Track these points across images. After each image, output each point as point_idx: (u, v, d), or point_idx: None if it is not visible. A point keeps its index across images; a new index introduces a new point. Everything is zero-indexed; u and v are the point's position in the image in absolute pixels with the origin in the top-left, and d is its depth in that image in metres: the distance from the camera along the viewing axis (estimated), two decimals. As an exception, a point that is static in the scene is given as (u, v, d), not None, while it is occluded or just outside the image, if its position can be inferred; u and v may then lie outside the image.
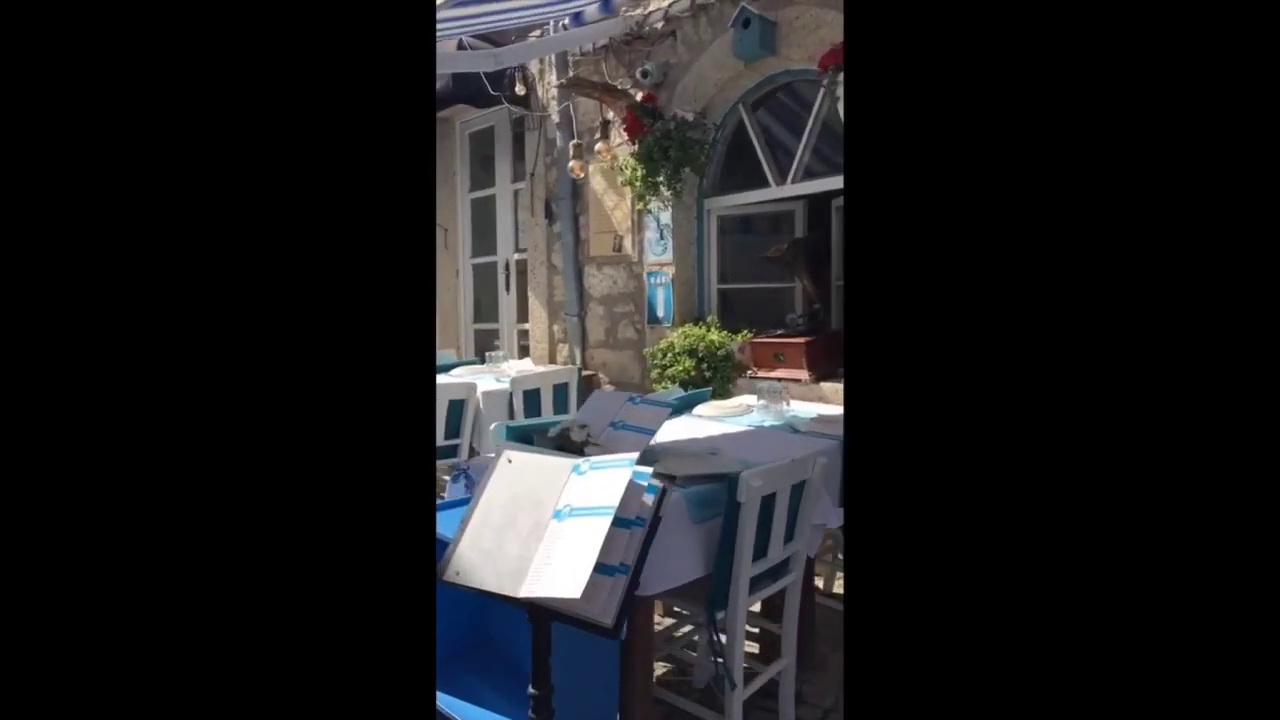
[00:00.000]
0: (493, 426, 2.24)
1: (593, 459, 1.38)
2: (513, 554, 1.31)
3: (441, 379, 3.37)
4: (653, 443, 1.97)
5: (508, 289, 4.69)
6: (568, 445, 1.85)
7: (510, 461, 1.48)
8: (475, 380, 3.20)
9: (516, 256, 4.58)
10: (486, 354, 3.75)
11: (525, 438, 2.16)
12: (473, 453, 3.12)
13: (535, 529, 1.31)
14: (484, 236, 4.93)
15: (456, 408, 2.98)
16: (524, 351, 4.51)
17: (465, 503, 2.02)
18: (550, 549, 1.27)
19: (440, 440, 2.95)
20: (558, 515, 1.33)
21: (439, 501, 1.97)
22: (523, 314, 4.60)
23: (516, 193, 4.53)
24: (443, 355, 4.15)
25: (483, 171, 4.96)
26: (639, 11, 3.36)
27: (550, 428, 2.13)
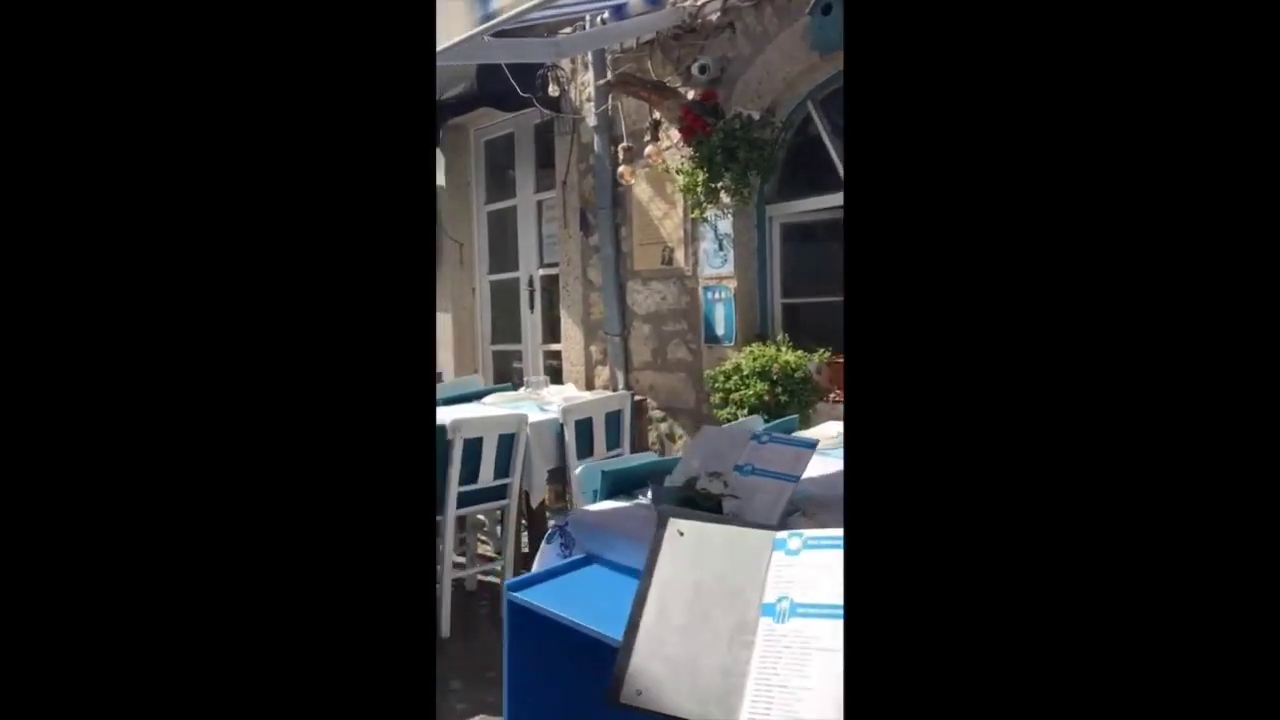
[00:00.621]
0: (578, 470, 1.91)
1: (807, 533, 1.05)
2: (713, 666, 0.98)
3: (484, 410, 3.02)
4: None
5: (532, 307, 4.35)
6: (699, 499, 1.52)
7: (682, 534, 1.15)
8: (524, 411, 2.86)
9: (542, 272, 4.25)
10: (527, 379, 3.41)
11: (628, 483, 1.83)
12: (524, 496, 2.78)
13: (740, 631, 0.99)
14: (501, 251, 4.61)
15: (506, 443, 2.64)
16: (551, 374, 4.18)
17: (565, 571, 1.68)
18: (776, 663, 0.94)
19: (489, 480, 2.61)
20: (770, 612, 1.00)
21: (532, 572, 1.63)
22: (549, 334, 4.27)
23: (541, 203, 4.22)
24: (469, 381, 3.81)
25: (496, 183, 4.64)
26: (690, 3, 3.08)
27: (660, 472, 1.80)
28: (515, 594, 1.50)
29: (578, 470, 1.90)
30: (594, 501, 1.93)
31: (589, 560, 1.65)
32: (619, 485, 1.80)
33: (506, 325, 4.60)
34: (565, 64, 3.64)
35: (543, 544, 1.67)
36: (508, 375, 4.61)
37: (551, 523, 1.65)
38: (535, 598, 1.50)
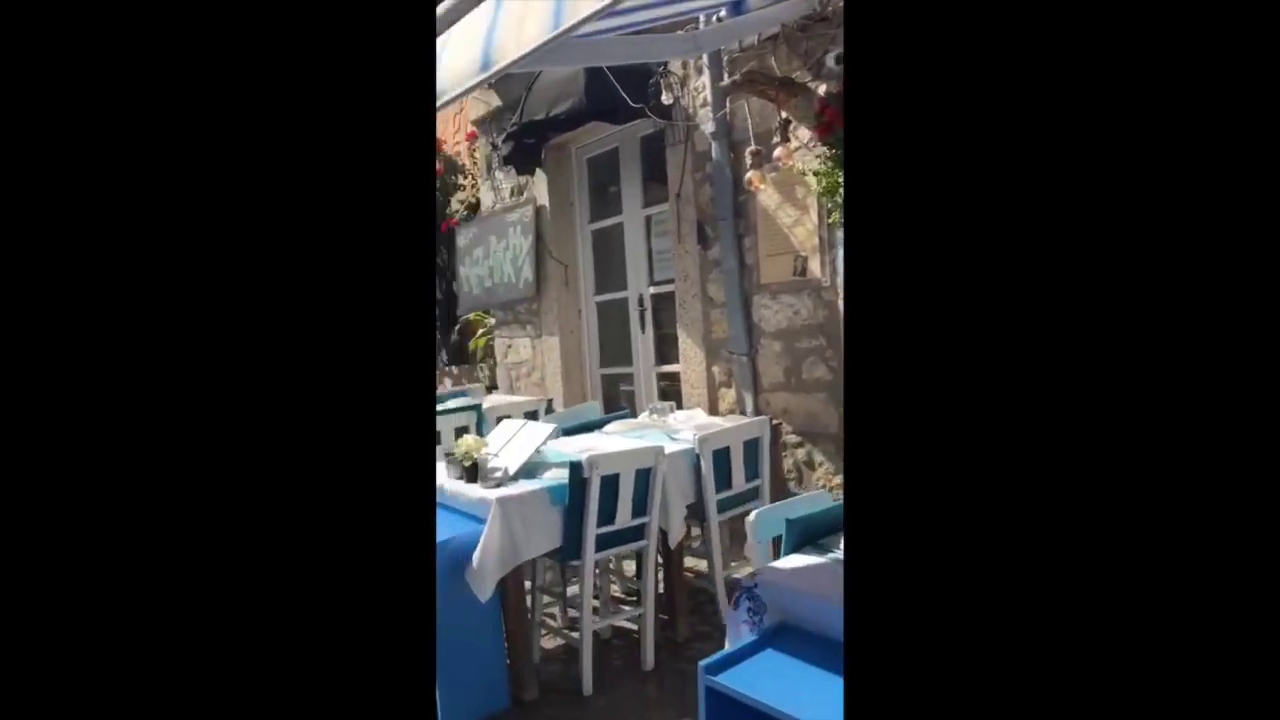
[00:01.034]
0: (752, 516, 1.65)
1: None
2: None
3: (609, 441, 2.82)
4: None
5: (643, 328, 4.15)
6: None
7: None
8: (657, 441, 2.64)
9: (653, 290, 4.05)
10: (652, 405, 3.19)
11: (816, 532, 1.56)
12: (663, 537, 2.54)
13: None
14: (607, 271, 4.44)
15: (643, 478, 2.42)
16: (664, 397, 3.95)
17: (762, 647, 1.43)
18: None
19: (626, 520, 2.39)
20: None
21: (726, 651, 1.38)
22: (663, 355, 4.05)
23: (650, 219, 4.02)
24: (586, 409, 3.63)
25: (599, 201, 4.49)
26: (818, -10, 2.82)
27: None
28: (714, 678, 1.26)
29: (751, 516, 1.65)
30: (770, 552, 1.67)
31: (784, 630, 1.39)
32: (808, 535, 1.53)
33: (615, 347, 4.42)
34: (677, 69, 3.44)
35: (729, 609, 1.43)
36: (617, 399, 4.42)
37: (739, 581, 1.41)
38: (737, 683, 1.24)
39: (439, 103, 1.66)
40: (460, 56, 1.59)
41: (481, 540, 2.17)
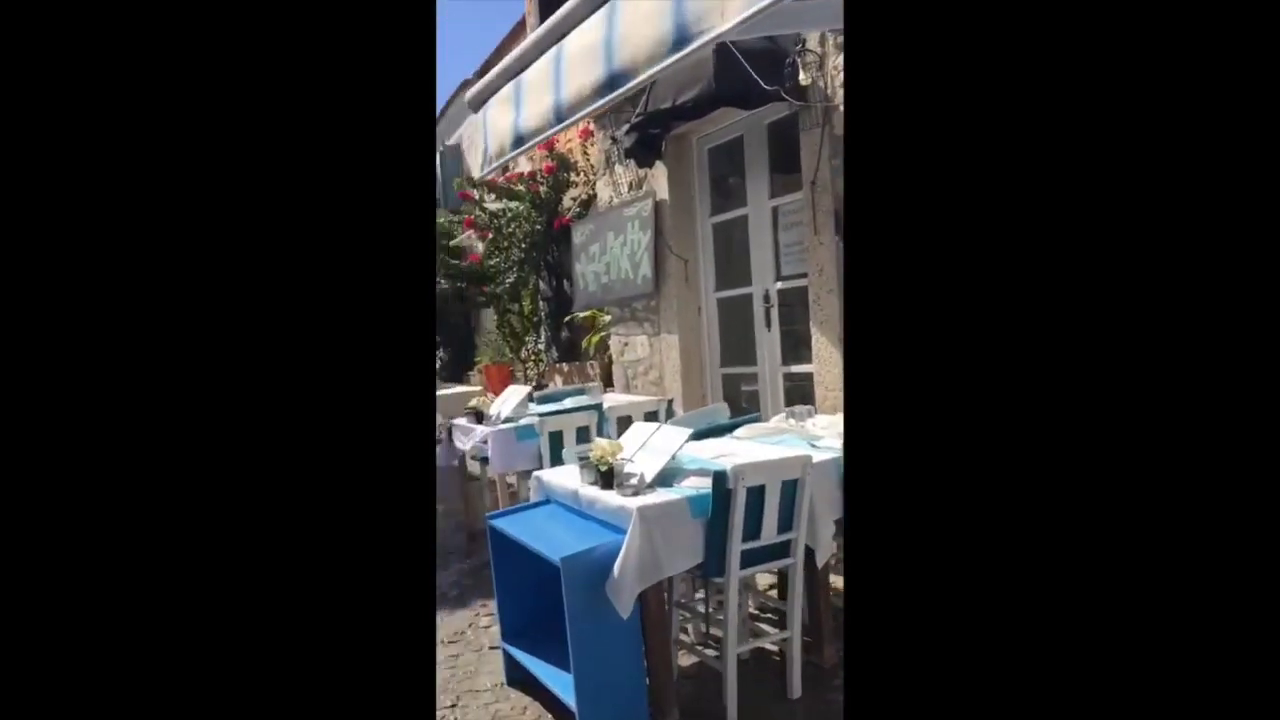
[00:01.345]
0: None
1: None
2: None
3: (743, 447, 2.63)
4: None
5: (769, 325, 3.94)
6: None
7: None
8: (799, 449, 2.43)
9: (779, 286, 3.83)
10: (789, 409, 2.98)
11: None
12: (809, 554, 2.33)
13: None
14: (729, 266, 4.25)
15: (790, 490, 2.22)
16: (790, 399, 3.73)
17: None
18: None
19: (772, 536, 2.20)
20: None
21: None
22: (790, 354, 3.83)
23: (777, 210, 3.80)
24: (714, 410, 3.45)
25: (721, 193, 4.30)
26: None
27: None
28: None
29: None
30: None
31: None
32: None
33: (737, 346, 4.23)
34: (815, 47, 3.20)
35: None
36: (738, 400, 4.23)
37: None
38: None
39: (627, 85, 1.52)
40: (641, 34, 1.44)
41: (622, 552, 2.04)
